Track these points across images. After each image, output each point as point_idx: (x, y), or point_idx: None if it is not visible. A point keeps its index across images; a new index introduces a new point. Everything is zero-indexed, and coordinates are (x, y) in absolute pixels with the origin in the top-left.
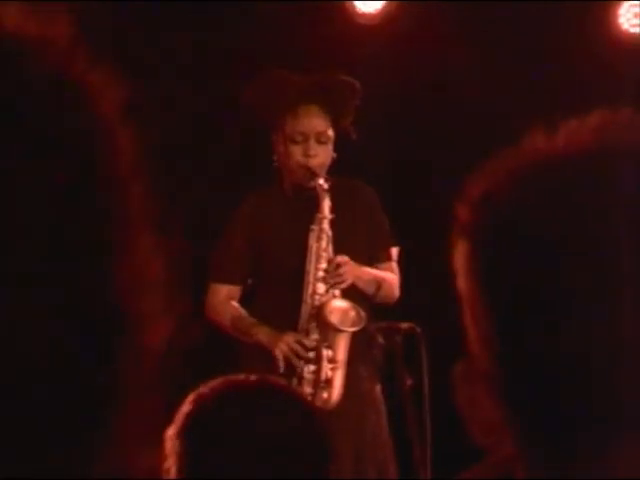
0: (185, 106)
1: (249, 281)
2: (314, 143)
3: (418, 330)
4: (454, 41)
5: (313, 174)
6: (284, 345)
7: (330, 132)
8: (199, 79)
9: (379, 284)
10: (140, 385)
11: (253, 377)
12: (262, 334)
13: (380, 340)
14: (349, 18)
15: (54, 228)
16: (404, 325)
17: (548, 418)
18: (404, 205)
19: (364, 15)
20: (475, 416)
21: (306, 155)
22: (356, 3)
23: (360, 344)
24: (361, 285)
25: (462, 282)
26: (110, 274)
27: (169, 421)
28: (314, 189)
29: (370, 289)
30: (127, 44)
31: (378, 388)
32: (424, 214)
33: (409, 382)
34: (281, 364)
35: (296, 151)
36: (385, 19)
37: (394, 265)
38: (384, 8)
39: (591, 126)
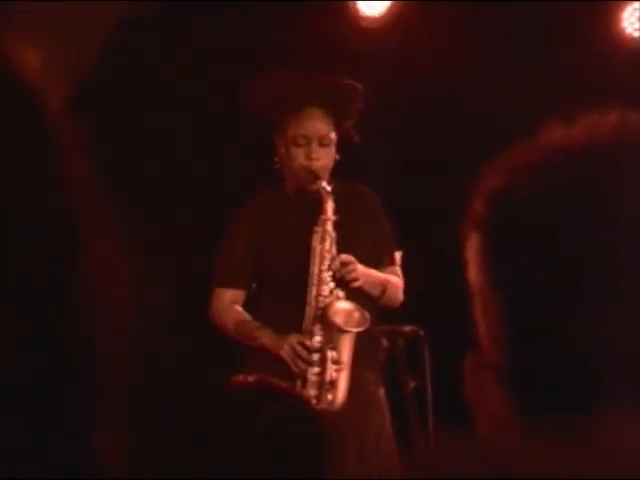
0: (184, 106)
1: (253, 286)
2: (316, 146)
3: (421, 333)
4: (457, 43)
5: (316, 177)
6: (288, 347)
7: (333, 135)
8: (198, 79)
9: (384, 287)
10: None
11: (251, 378)
12: (266, 337)
13: (384, 343)
14: (352, 20)
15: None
16: (407, 328)
17: (555, 413)
18: (407, 207)
19: (367, 18)
20: (483, 409)
21: (308, 158)
22: (359, 5)
23: (365, 347)
24: (367, 287)
25: (473, 274)
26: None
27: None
28: (317, 192)
29: (375, 291)
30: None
31: (382, 391)
32: (428, 216)
33: (412, 385)
34: (292, 367)
35: (298, 154)
36: (388, 22)
37: (398, 269)
38: (387, 11)
39: (609, 122)
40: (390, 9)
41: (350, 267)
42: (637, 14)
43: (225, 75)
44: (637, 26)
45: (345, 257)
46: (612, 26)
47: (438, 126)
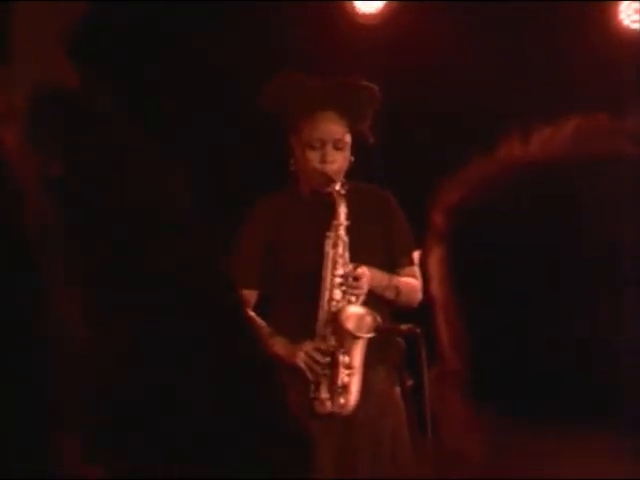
0: (191, 107)
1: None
2: (331, 149)
3: (418, 331)
4: (454, 41)
5: (330, 180)
6: (304, 355)
7: (347, 138)
8: (204, 79)
9: (398, 290)
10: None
11: None
12: (278, 346)
13: (400, 341)
14: (349, 18)
15: None
16: (404, 326)
17: (516, 422)
18: (407, 205)
19: (364, 15)
20: (446, 419)
21: (323, 161)
22: (356, 3)
23: (379, 345)
24: (379, 292)
25: (436, 287)
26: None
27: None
28: (330, 194)
29: (389, 295)
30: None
31: (397, 389)
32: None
33: (409, 382)
34: (308, 374)
35: (313, 157)
36: (385, 19)
37: (416, 269)
38: (384, 8)
39: (566, 133)
40: (387, 5)
41: (358, 283)
42: (634, 6)
43: (225, 75)
44: (634, 18)
45: (360, 271)
46: (609, 17)
47: (431, 124)
